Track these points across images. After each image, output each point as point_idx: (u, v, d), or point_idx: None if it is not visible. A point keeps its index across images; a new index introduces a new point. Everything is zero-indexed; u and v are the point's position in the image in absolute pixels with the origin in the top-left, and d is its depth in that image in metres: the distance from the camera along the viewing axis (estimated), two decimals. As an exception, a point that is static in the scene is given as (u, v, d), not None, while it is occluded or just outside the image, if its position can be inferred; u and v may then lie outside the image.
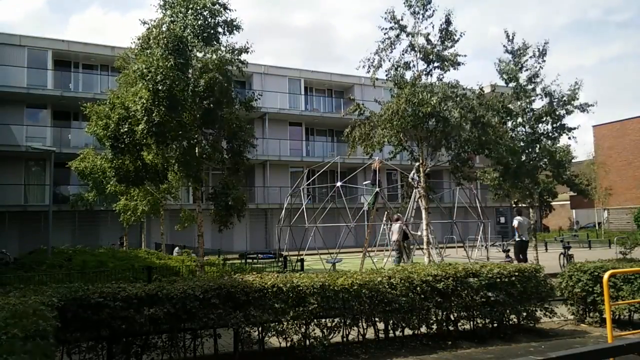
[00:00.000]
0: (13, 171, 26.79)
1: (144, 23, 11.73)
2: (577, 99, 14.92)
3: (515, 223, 15.69)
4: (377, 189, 16.93)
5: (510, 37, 15.22)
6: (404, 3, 13.26)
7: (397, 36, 13.27)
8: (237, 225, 14.26)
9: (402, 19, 13.17)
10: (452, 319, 7.40)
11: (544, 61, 15.06)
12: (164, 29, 11.43)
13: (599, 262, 8.43)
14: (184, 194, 26.93)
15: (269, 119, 32.38)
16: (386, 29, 13.23)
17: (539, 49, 15.01)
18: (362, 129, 13.81)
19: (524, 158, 15.11)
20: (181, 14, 11.62)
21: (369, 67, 13.29)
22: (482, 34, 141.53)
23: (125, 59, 16.68)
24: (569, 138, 15.28)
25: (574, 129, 15.23)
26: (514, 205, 18.84)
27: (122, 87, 13.11)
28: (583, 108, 14.94)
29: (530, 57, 15.12)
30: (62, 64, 29.33)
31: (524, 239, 15.39)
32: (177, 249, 21.99)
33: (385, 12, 13.13)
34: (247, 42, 12.12)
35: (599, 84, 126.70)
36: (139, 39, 11.76)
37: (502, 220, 38.53)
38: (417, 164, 14.31)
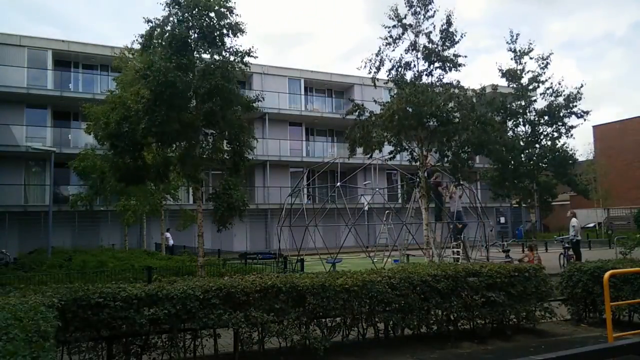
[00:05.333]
0: (13, 171, 26.77)
1: (148, 21, 11.63)
2: (580, 99, 14.98)
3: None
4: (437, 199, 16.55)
5: (514, 37, 15.29)
6: (405, 3, 13.26)
7: (401, 35, 13.28)
8: (237, 225, 14.26)
9: (405, 17, 13.18)
10: (452, 319, 7.39)
11: (547, 68, 15.15)
12: (168, 28, 11.38)
13: (599, 262, 8.43)
14: (184, 194, 26.93)
15: (269, 119, 32.37)
16: (389, 27, 13.25)
17: (542, 57, 15.08)
18: (362, 130, 13.82)
19: (523, 158, 15.14)
20: (187, 14, 11.55)
21: (370, 67, 13.32)
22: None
23: (122, 59, 16.65)
24: (568, 137, 15.37)
25: (574, 127, 15.30)
26: (514, 205, 18.86)
27: (121, 86, 13.10)
28: (580, 115, 15.03)
29: (531, 58, 15.19)
30: (62, 64, 29.32)
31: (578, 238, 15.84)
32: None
33: (390, 10, 13.13)
34: (252, 47, 12.09)
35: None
36: (141, 37, 11.69)
37: (502, 220, 38.54)
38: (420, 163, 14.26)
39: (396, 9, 13.10)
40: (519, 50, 15.23)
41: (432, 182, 15.33)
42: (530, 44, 15.23)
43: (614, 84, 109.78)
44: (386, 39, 13.24)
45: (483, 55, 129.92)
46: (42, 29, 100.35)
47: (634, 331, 7.05)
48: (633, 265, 8.14)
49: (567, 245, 17.08)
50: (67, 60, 29.44)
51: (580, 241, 15.90)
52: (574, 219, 16.01)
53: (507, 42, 15.37)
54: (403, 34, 13.20)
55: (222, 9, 11.76)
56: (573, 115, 15.04)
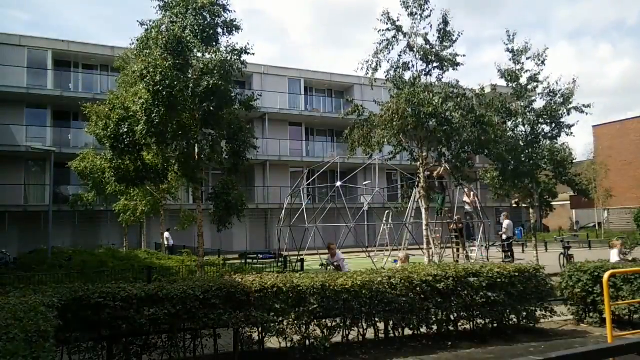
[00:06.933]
0: (13, 171, 26.77)
1: (142, 24, 11.71)
2: (573, 96, 14.97)
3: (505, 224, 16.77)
4: (441, 193, 16.87)
5: (511, 37, 15.27)
6: (401, 4, 13.23)
7: (394, 37, 13.26)
8: (237, 225, 14.26)
9: (398, 20, 13.16)
10: (452, 319, 7.39)
11: (544, 65, 15.13)
12: (162, 29, 11.42)
13: (599, 262, 8.43)
14: (184, 194, 26.92)
15: (269, 119, 32.38)
16: (382, 30, 13.23)
17: (539, 54, 15.07)
18: (362, 131, 13.81)
19: (523, 158, 15.12)
20: (181, 15, 11.61)
21: (367, 69, 13.29)
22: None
23: (125, 59, 16.68)
24: (567, 135, 15.35)
25: (572, 125, 15.28)
26: (514, 206, 18.94)
27: (122, 87, 13.11)
28: (581, 109, 14.99)
29: (528, 58, 15.17)
30: (62, 64, 29.32)
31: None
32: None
33: (382, 14, 13.11)
34: (248, 43, 12.13)
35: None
36: (137, 40, 11.77)
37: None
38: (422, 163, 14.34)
39: (388, 13, 13.06)
40: (517, 50, 15.21)
41: (436, 174, 15.55)
42: (527, 43, 15.22)
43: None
44: (381, 42, 13.22)
45: (486, 45, 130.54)
46: (10, 13, 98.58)
47: (634, 331, 7.06)
48: (633, 266, 8.14)
49: (567, 245, 17.12)
50: (67, 60, 29.44)
51: (512, 240, 16.91)
52: (506, 221, 17.00)
53: (504, 43, 15.35)
54: (394, 37, 13.17)
55: (216, 7, 11.79)
56: (574, 112, 15.01)
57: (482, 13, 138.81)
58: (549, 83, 15.23)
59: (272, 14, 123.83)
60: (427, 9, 13.08)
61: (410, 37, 13.25)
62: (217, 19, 11.97)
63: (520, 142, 15.34)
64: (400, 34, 13.18)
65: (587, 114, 15.00)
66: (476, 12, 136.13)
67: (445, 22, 13.21)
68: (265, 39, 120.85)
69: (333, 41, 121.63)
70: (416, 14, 13.14)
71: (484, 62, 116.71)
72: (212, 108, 11.69)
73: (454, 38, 13.28)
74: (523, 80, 15.27)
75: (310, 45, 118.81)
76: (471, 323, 7.53)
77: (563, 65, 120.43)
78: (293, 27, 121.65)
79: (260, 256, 20.11)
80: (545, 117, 15.10)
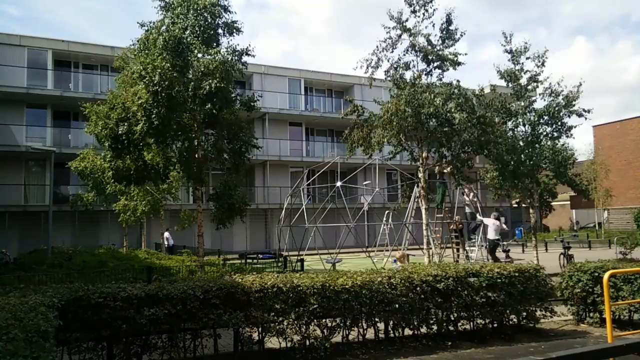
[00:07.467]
0: (13, 171, 26.78)
1: (142, 26, 11.73)
2: (577, 100, 14.96)
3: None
4: (443, 187, 17.01)
5: (508, 38, 15.26)
6: (405, 3, 13.19)
7: (399, 36, 13.23)
8: (237, 225, 14.27)
9: (407, 20, 13.13)
10: (452, 319, 7.40)
11: (544, 66, 15.10)
12: (162, 30, 11.44)
13: (599, 262, 8.43)
14: (184, 194, 26.93)
15: (269, 119, 32.38)
16: (389, 28, 13.19)
17: (538, 55, 15.05)
18: (361, 131, 13.80)
19: (523, 158, 15.11)
20: (182, 15, 11.62)
21: (367, 67, 13.25)
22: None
23: (124, 59, 16.70)
24: (568, 137, 15.34)
25: (574, 127, 15.27)
26: (515, 205, 18.97)
27: (122, 87, 13.11)
28: (580, 113, 14.99)
29: (528, 58, 15.15)
30: (62, 64, 29.32)
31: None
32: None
33: (388, 12, 13.09)
34: (249, 45, 12.17)
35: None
36: (138, 41, 11.78)
37: (502, 220, 38.48)
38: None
39: (401, 13, 13.03)
40: (515, 51, 15.20)
41: (437, 170, 15.66)
42: (526, 43, 15.21)
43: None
44: (385, 40, 13.18)
45: (489, 41, 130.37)
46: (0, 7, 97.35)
47: (634, 331, 7.06)
48: (633, 266, 8.14)
49: (567, 245, 17.14)
50: (67, 60, 29.44)
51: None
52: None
53: (502, 45, 15.32)
54: (401, 35, 13.14)
55: (217, 8, 11.80)
56: (574, 115, 15.00)
57: (505, 7, 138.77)
58: (550, 84, 15.22)
59: (281, 6, 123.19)
60: (430, 8, 13.05)
61: (414, 37, 13.23)
62: (217, 20, 11.99)
63: (520, 142, 15.33)
64: (405, 33, 13.15)
65: (586, 118, 15.00)
66: (502, 6, 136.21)
67: (449, 21, 13.18)
68: (272, 34, 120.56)
69: (349, 37, 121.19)
70: (419, 12, 13.11)
71: (479, 60, 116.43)
72: (214, 110, 11.71)
73: (457, 37, 13.25)
74: (523, 80, 15.26)
75: (324, 40, 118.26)
76: (471, 323, 7.53)
77: (579, 62, 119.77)
78: (301, 21, 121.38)
79: (260, 256, 20.11)
80: (546, 117, 15.10)
